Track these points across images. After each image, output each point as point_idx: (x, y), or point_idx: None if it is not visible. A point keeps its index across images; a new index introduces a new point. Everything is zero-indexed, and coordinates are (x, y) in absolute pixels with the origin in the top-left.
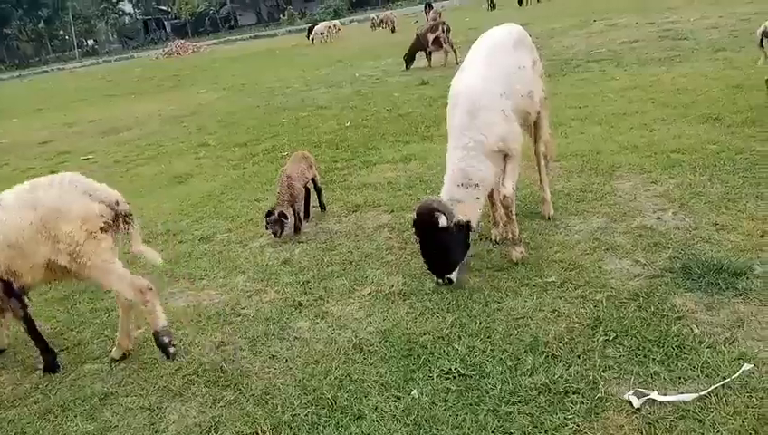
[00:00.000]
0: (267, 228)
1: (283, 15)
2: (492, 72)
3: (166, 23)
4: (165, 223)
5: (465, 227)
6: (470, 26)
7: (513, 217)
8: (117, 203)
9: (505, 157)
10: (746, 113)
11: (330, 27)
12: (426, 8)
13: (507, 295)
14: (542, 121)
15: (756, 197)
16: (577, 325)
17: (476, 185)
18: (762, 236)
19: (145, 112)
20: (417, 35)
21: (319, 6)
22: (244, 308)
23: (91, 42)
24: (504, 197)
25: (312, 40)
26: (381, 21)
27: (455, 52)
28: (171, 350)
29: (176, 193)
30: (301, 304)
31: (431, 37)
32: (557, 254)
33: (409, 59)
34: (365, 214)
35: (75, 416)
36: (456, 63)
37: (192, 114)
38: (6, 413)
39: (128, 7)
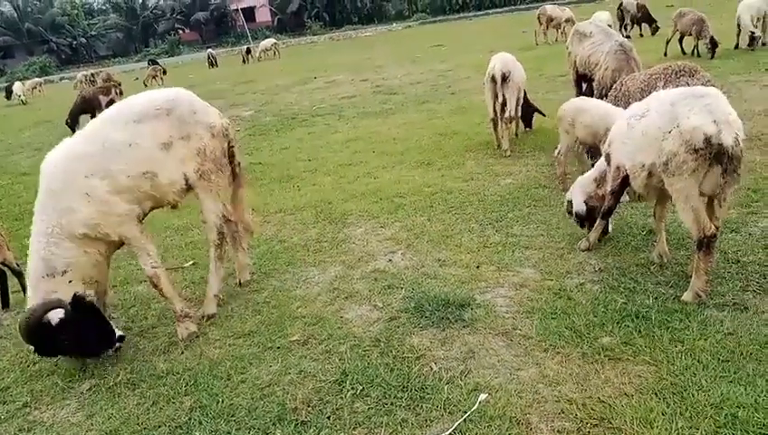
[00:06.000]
0: None
1: None
2: (88, 148)
3: None
4: None
5: (81, 306)
6: (192, 83)
7: (169, 296)
8: None
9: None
10: (452, 157)
11: (35, 86)
12: (149, 64)
13: (251, 363)
14: (206, 202)
15: (469, 231)
16: (324, 384)
17: (64, 272)
18: (478, 267)
19: None
20: (82, 97)
21: (22, 63)
22: None
23: None
24: (149, 277)
25: (22, 99)
26: (91, 78)
27: None
28: None
29: None
30: None
31: (104, 100)
32: (299, 309)
33: (73, 122)
34: None
35: None
36: None
37: None
38: None
39: None
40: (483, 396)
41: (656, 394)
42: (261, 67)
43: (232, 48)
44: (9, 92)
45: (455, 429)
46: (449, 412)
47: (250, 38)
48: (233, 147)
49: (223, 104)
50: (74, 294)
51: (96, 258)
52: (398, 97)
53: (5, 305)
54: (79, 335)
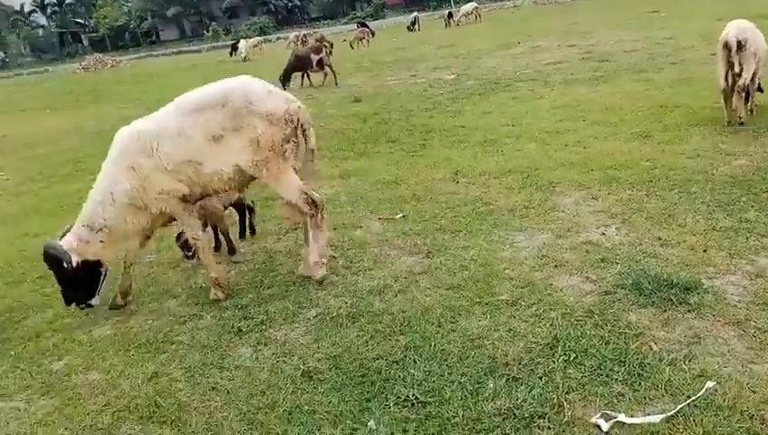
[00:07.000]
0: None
1: (207, 31)
2: (151, 128)
3: (83, 36)
4: None
5: (92, 265)
6: (398, 46)
7: (207, 263)
8: None
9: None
10: (673, 131)
11: (257, 44)
12: (359, 26)
13: (460, 315)
14: (277, 190)
15: (694, 211)
16: (535, 345)
17: (100, 230)
18: (705, 251)
19: (61, 128)
20: (295, 56)
21: (244, 23)
22: (178, 335)
23: (0, 54)
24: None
25: (245, 56)
26: (303, 39)
27: (334, 73)
28: None
29: None
30: (241, 330)
31: (315, 59)
32: (506, 271)
33: (286, 79)
34: None
35: None
36: (336, 85)
37: (113, 130)
38: None
39: (42, 19)
40: (710, 384)
41: None
42: (462, 31)
43: (433, 12)
44: (234, 49)
45: (678, 411)
46: (671, 394)
47: (452, 2)
48: (305, 130)
49: (426, 67)
50: (83, 261)
51: (134, 228)
52: (610, 65)
53: (242, 236)
54: (68, 282)
